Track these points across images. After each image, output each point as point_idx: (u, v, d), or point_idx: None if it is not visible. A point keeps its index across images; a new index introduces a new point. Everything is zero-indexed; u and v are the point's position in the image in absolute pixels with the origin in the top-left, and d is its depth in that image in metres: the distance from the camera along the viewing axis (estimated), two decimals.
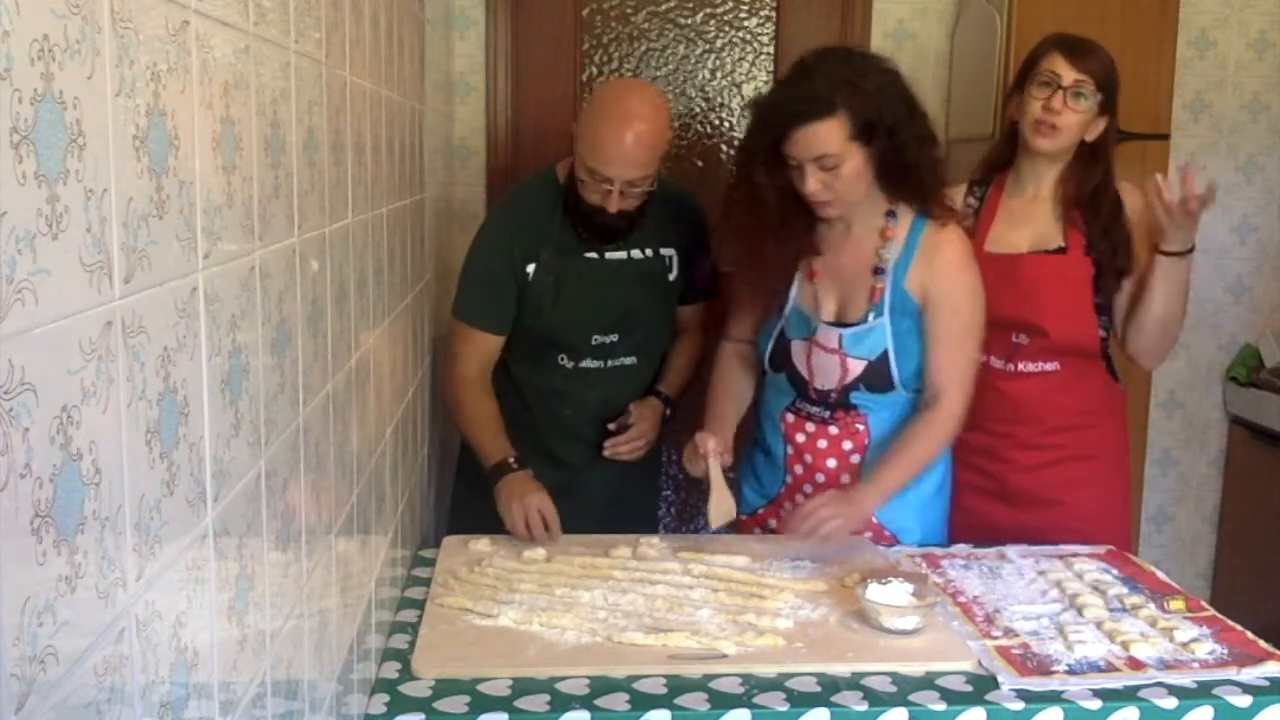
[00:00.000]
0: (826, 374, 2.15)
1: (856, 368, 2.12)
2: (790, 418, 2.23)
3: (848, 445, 2.19)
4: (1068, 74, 2.21)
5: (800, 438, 2.22)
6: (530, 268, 2.31)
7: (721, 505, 2.14)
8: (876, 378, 2.12)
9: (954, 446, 2.31)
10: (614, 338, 2.39)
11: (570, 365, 2.40)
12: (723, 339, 2.38)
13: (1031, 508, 2.29)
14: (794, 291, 2.19)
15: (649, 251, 2.38)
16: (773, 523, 2.27)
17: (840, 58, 2.06)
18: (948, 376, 2.09)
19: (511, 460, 2.21)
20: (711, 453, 2.12)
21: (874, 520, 2.19)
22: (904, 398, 2.15)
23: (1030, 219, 2.31)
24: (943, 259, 2.10)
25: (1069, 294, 2.27)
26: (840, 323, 2.14)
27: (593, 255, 2.33)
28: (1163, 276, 2.23)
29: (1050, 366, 2.29)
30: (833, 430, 2.19)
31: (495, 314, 2.35)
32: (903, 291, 2.10)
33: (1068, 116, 2.21)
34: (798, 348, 2.18)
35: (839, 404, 2.17)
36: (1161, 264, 2.22)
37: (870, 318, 2.11)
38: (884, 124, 2.00)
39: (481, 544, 2.12)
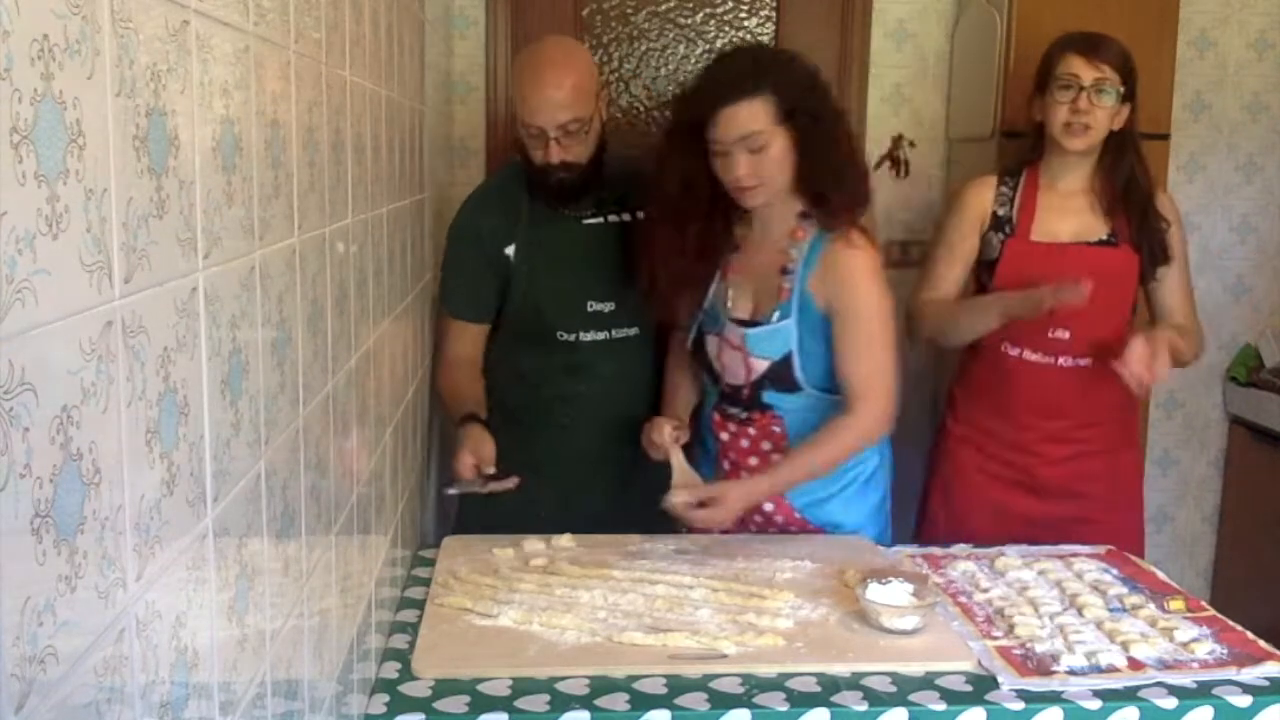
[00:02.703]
0: (733, 370, 2.18)
1: (759, 366, 2.14)
2: (716, 416, 2.26)
3: (766, 445, 2.20)
4: (1087, 73, 2.27)
5: (724, 436, 2.24)
6: (509, 250, 2.33)
7: (685, 482, 2.13)
8: (780, 378, 2.14)
9: (978, 438, 2.33)
10: (610, 305, 2.38)
11: (572, 338, 2.38)
12: (675, 330, 2.38)
13: (1055, 499, 2.34)
14: (713, 286, 2.21)
15: (625, 215, 2.39)
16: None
17: (763, 48, 2.13)
18: (859, 385, 2.08)
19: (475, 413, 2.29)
20: (668, 438, 2.15)
21: (797, 515, 2.20)
22: (814, 398, 2.15)
23: (1071, 211, 2.37)
24: (843, 268, 2.09)
25: (1113, 287, 2.32)
26: (751, 321, 2.15)
27: (569, 221, 2.35)
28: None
29: (1084, 362, 2.34)
30: (751, 431, 2.21)
31: (476, 303, 2.39)
32: (805, 293, 2.11)
33: (1096, 114, 2.27)
34: (711, 342, 2.21)
35: (753, 404, 2.18)
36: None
37: (776, 318, 2.12)
38: (807, 109, 2.02)
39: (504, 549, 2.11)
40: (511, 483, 2.21)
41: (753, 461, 2.22)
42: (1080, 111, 2.26)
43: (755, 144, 2.00)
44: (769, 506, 2.21)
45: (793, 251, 2.12)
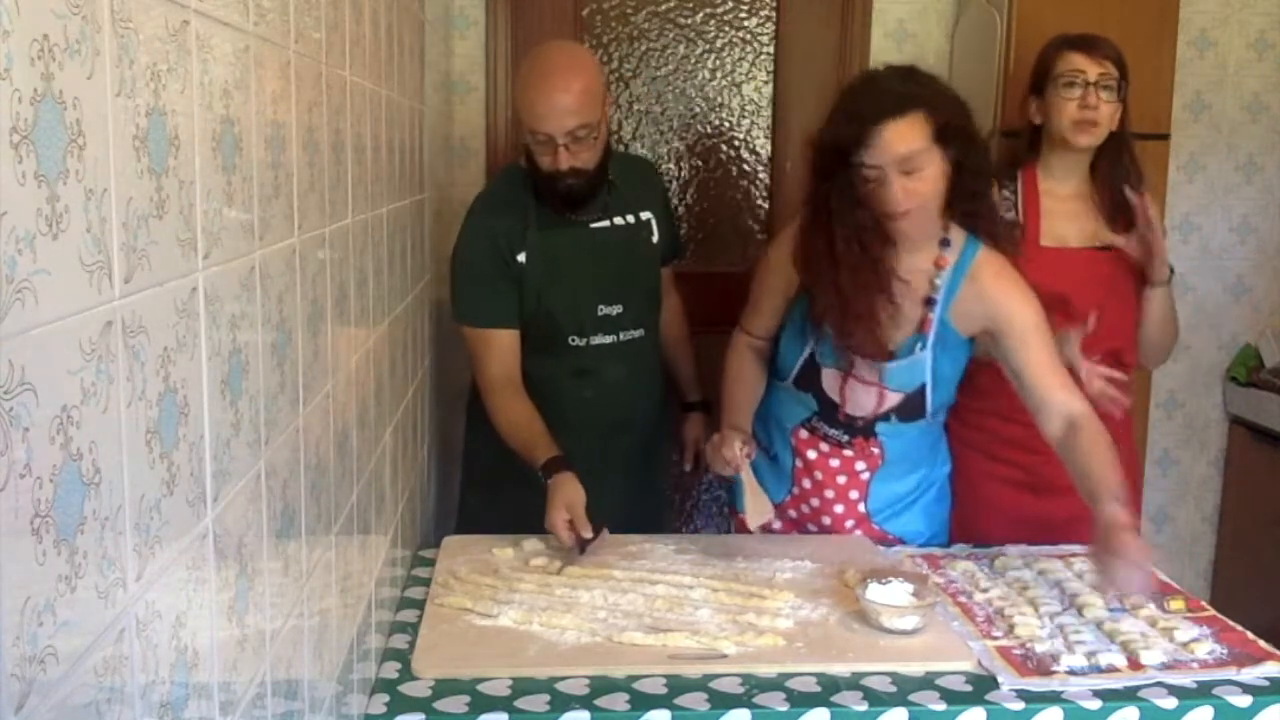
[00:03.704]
0: (860, 403, 2.10)
1: (893, 399, 2.09)
2: (804, 434, 2.20)
3: (860, 465, 2.18)
4: (1091, 69, 2.28)
5: (812, 454, 2.20)
6: (521, 257, 2.30)
7: (759, 506, 2.11)
8: (910, 408, 2.10)
9: (981, 440, 2.33)
10: (618, 309, 2.37)
11: (583, 343, 2.37)
12: (739, 329, 2.30)
13: (1058, 496, 2.33)
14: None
15: (630, 218, 2.39)
16: (776, 524, 2.26)
17: (907, 70, 2.01)
18: (1069, 394, 1.99)
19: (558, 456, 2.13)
20: (740, 456, 2.06)
21: (875, 527, 2.20)
22: (926, 424, 2.15)
23: (1073, 214, 2.36)
24: (994, 284, 2.02)
25: (1123, 292, 2.32)
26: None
27: (577, 226, 2.33)
28: (1148, 304, 2.34)
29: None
30: (847, 452, 2.17)
31: (501, 308, 2.32)
32: (945, 323, 2.05)
33: (1103, 109, 2.28)
34: (830, 375, 2.11)
35: (863, 431, 2.14)
36: (1147, 295, 2.32)
37: (915, 349, 2.05)
38: (958, 128, 1.94)
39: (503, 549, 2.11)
40: (604, 538, 2.07)
41: (841, 480, 2.19)
42: (1089, 107, 2.26)
43: (910, 166, 1.90)
44: (849, 523, 2.20)
45: (937, 281, 2.04)
